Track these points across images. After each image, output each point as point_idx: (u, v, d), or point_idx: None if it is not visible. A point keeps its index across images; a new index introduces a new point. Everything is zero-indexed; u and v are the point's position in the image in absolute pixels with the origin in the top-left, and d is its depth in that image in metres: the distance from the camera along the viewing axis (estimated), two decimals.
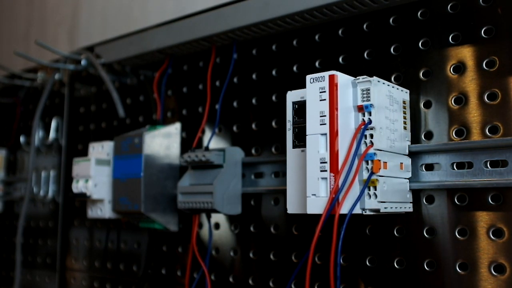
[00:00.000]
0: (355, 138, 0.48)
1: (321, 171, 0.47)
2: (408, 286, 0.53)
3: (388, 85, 0.51)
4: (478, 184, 0.49)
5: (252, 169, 0.67)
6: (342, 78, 0.49)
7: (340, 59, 0.62)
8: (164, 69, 0.78)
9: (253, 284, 0.67)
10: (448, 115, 0.53)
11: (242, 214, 0.68)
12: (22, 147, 1.05)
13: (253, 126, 0.69)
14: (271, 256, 0.65)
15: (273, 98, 0.68)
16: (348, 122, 0.49)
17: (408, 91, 0.55)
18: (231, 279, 0.69)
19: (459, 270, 0.50)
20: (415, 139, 0.54)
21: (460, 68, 0.53)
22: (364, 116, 0.48)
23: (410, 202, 0.53)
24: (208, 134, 0.74)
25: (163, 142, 0.74)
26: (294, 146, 0.54)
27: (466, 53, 0.52)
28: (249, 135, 0.69)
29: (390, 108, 0.51)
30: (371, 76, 0.49)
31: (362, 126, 0.48)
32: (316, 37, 0.64)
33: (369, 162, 0.48)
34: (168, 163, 0.74)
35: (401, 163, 0.52)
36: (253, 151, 0.68)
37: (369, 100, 0.48)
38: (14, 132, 1.09)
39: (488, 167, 0.49)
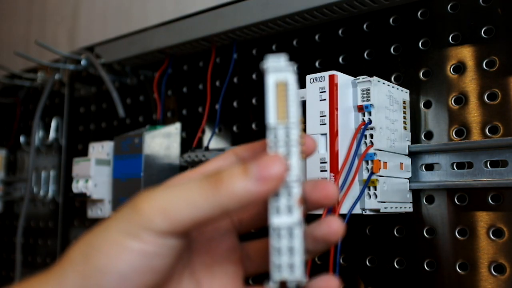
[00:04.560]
0: (355, 138, 0.48)
1: (321, 171, 0.47)
2: (408, 286, 0.53)
3: (388, 85, 0.51)
4: (478, 184, 0.49)
5: None
6: (342, 78, 0.49)
7: (340, 59, 0.62)
8: (164, 69, 0.78)
9: (253, 283, 0.67)
10: (448, 115, 0.53)
11: None
12: (22, 147, 1.05)
13: (253, 126, 0.69)
14: None
15: None
16: (348, 122, 0.49)
17: (408, 91, 0.55)
18: None
19: (459, 270, 0.50)
20: (415, 139, 0.54)
21: (460, 68, 0.53)
22: (364, 116, 0.48)
23: (410, 202, 0.53)
24: (208, 134, 0.74)
25: (163, 142, 0.74)
26: None
27: (466, 53, 0.52)
28: (249, 135, 0.69)
29: (390, 108, 0.51)
30: (371, 76, 0.49)
31: (362, 126, 0.48)
32: (316, 37, 0.64)
33: (369, 162, 0.48)
34: (168, 163, 0.74)
35: (401, 163, 0.52)
36: None
37: (369, 100, 0.48)
38: (14, 132, 1.09)
39: (488, 167, 0.49)
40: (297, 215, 0.25)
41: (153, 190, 0.25)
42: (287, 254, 0.25)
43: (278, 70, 0.26)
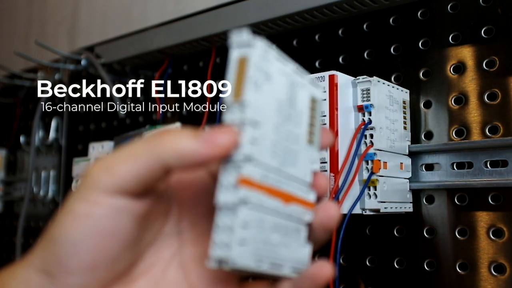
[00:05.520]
0: (355, 138, 0.48)
1: (321, 171, 0.47)
2: (408, 286, 0.53)
3: (388, 85, 0.51)
4: (478, 184, 0.49)
5: None
6: (342, 78, 0.49)
7: (340, 59, 0.62)
8: (164, 69, 0.78)
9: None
10: (448, 115, 0.53)
11: None
12: (22, 147, 1.05)
13: None
14: None
15: None
16: (348, 122, 0.49)
17: (408, 91, 0.55)
18: None
19: (459, 270, 0.50)
20: (415, 139, 0.54)
21: (460, 68, 0.53)
22: (364, 116, 0.49)
23: (410, 202, 0.53)
24: None
25: None
26: None
27: (466, 53, 0.52)
28: None
29: (390, 108, 0.51)
30: (371, 76, 0.49)
31: (362, 126, 0.48)
32: (316, 37, 0.64)
33: (369, 162, 0.48)
34: None
35: (401, 163, 0.52)
36: None
37: (369, 100, 0.48)
38: (14, 132, 1.09)
39: (488, 167, 0.49)
40: (240, 195, 0.23)
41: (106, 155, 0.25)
42: (226, 232, 0.23)
43: (241, 45, 0.25)
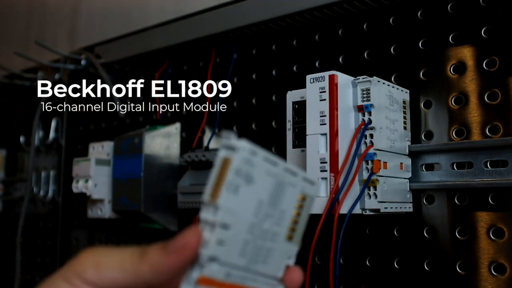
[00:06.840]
0: (355, 138, 0.48)
1: (321, 171, 0.47)
2: (408, 286, 0.53)
3: (388, 85, 0.51)
4: (478, 184, 0.49)
5: None
6: (342, 78, 0.49)
7: (340, 59, 0.62)
8: (164, 69, 0.78)
9: None
10: (448, 115, 0.53)
11: None
12: (22, 147, 1.05)
13: (253, 126, 0.69)
14: None
15: (273, 98, 0.68)
16: (348, 122, 0.49)
17: (408, 91, 0.55)
18: None
19: (459, 270, 0.50)
20: (415, 139, 0.54)
21: (460, 68, 0.53)
22: (364, 116, 0.49)
23: (410, 202, 0.53)
24: (208, 134, 0.74)
25: (163, 142, 0.74)
26: (294, 146, 0.54)
27: (466, 53, 0.52)
28: (249, 135, 0.69)
29: (390, 108, 0.51)
30: (371, 76, 0.49)
31: (362, 126, 0.48)
32: (316, 37, 0.64)
33: (369, 162, 0.48)
34: (168, 163, 0.74)
35: (401, 163, 0.52)
36: None
37: (369, 100, 0.48)
38: (14, 132, 1.09)
39: (488, 167, 0.49)
40: None
41: (99, 247, 0.29)
42: None
43: (227, 147, 0.25)
